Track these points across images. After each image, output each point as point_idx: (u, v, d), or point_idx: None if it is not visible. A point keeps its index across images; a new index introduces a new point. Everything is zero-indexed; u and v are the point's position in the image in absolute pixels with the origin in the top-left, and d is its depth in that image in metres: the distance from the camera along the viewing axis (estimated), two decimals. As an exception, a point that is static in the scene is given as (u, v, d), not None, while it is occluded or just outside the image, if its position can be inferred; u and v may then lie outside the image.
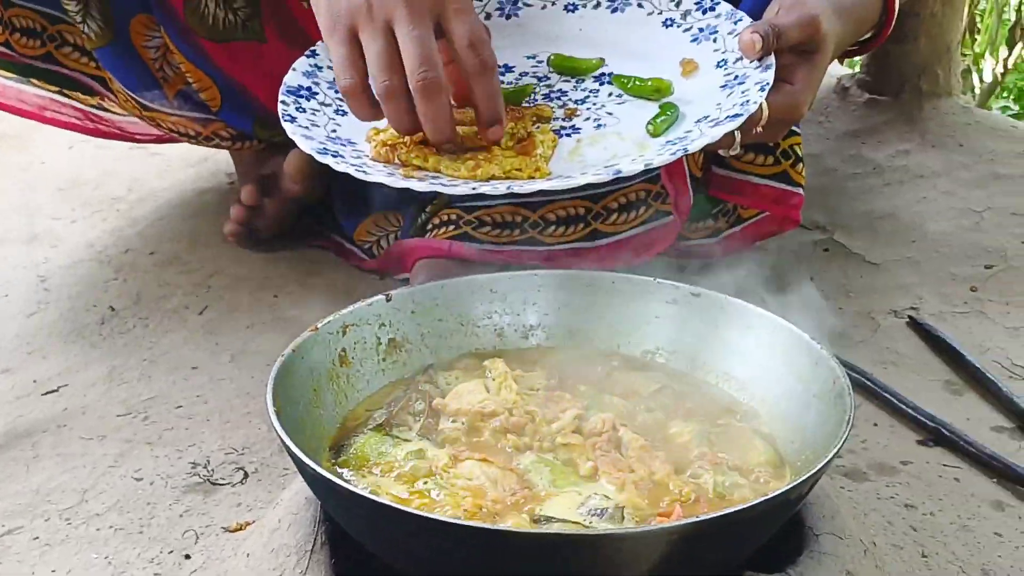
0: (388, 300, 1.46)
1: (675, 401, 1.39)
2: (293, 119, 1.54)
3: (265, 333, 1.90)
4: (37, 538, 1.47)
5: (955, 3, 2.40)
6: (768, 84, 1.48)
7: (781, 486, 1.20)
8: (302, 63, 1.62)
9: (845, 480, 1.56)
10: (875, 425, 1.69)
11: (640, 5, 1.70)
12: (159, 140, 2.24)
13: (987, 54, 3.35)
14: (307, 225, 2.15)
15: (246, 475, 1.58)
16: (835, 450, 1.19)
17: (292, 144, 1.95)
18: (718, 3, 1.64)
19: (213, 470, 1.58)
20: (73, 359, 1.83)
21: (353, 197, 2.05)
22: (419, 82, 1.36)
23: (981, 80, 3.30)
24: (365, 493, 1.15)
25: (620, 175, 1.40)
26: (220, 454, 1.62)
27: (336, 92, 1.57)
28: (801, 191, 1.86)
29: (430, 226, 1.89)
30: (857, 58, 2.17)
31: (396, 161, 1.47)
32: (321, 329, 1.39)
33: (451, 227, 1.87)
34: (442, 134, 1.40)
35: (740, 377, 1.43)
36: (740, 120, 1.44)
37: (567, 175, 1.43)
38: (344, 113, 1.55)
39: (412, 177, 1.43)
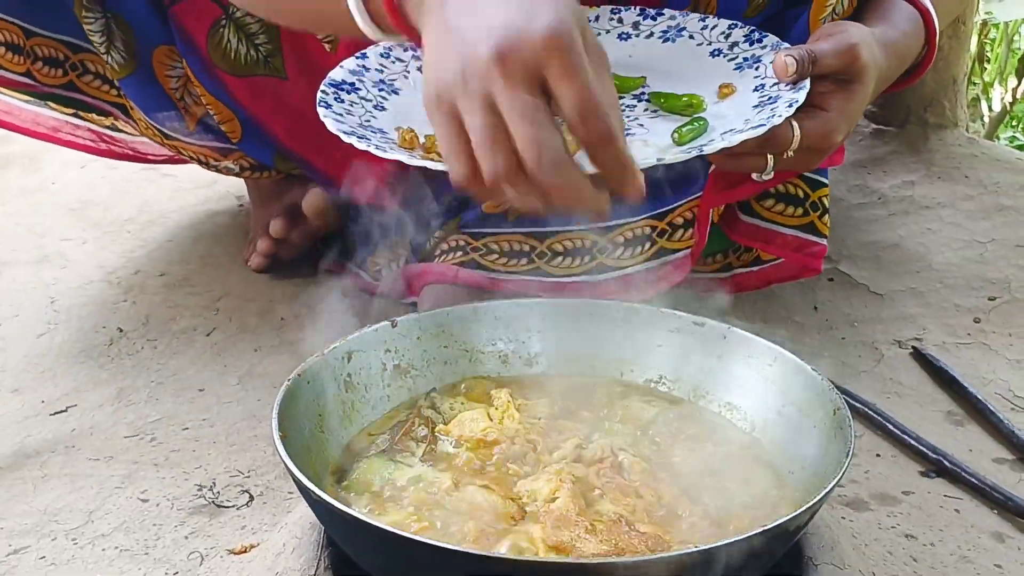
0: (394, 326, 1.47)
1: (677, 429, 1.40)
2: (329, 106, 1.54)
3: (272, 356, 1.91)
4: (43, 558, 1.48)
5: (961, 36, 2.41)
6: (797, 102, 1.49)
7: (781, 516, 1.21)
8: (350, 62, 1.64)
9: (846, 510, 1.57)
10: (877, 455, 1.69)
11: (691, 36, 1.72)
12: (171, 161, 2.25)
13: (996, 83, 3.36)
14: (316, 249, 2.16)
15: (251, 498, 1.59)
16: (835, 480, 1.19)
17: (309, 178, 1.98)
18: (766, 35, 1.66)
19: (219, 492, 1.59)
20: (82, 380, 1.85)
21: (366, 229, 2.06)
22: (536, 164, 1.14)
23: (990, 109, 3.31)
24: (368, 519, 1.15)
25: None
26: (226, 476, 1.63)
27: (379, 90, 1.60)
28: (824, 242, 1.85)
29: (438, 251, 1.90)
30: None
31: (417, 148, 1.47)
32: (327, 354, 1.40)
33: (459, 253, 1.88)
34: (587, 203, 1.18)
35: (742, 406, 1.44)
36: (762, 130, 1.44)
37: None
38: (383, 109, 1.56)
39: (430, 158, 1.41)
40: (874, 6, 1.69)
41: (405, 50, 1.69)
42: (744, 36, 1.68)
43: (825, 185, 1.85)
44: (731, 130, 1.49)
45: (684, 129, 1.50)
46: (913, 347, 1.94)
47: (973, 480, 1.63)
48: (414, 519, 1.23)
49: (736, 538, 1.12)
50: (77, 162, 2.47)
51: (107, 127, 2.15)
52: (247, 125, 1.99)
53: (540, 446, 1.34)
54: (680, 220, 1.81)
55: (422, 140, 1.49)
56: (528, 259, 1.86)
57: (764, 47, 1.65)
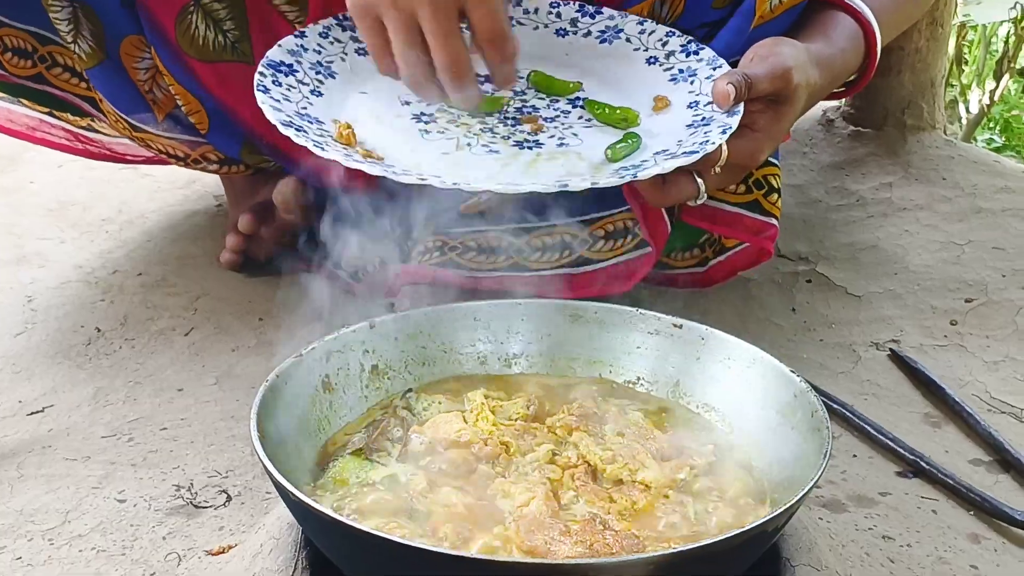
0: (372, 327, 1.47)
1: (654, 431, 1.40)
2: (266, 90, 1.58)
3: (250, 356, 1.91)
4: (20, 558, 1.47)
5: (940, 38, 2.41)
6: (731, 128, 1.53)
7: (759, 517, 1.21)
8: (289, 41, 1.67)
9: (823, 511, 1.57)
10: (854, 456, 1.70)
11: (628, 40, 1.74)
12: (148, 161, 2.25)
13: (974, 85, 3.38)
14: (294, 249, 2.16)
15: (229, 498, 1.58)
16: (812, 482, 1.20)
17: (281, 171, 1.97)
18: (703, 48, 1.69)
19: (196, 493, 1.59)
20: (59, 380, 1.84)
21: (341, 224, 2.06)
22: (450, 78, 1.49)
23: (968, 111, 3.33)
24: (345, 520, 1.15)
25: (566, 188, 1.45)
26: (204, 477, 1.62)
27: (316, 72, 1.65)
28: (774, 222, 1.85)
29: (415, 253, 1.90)
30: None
31: (356, 147, 1.52)
32: (305, 355, 1.40)
33: (436, 254, 1.88)
34: (471, 106, 1.56)
35: (720, 408, 1.44)
36: (695, 157, 1.48)
37: (517, 182, 1.47)
38: (320, 95, 1.60)
39: (366, 161, 1.47)
40: (814, 21, 1.71)
41: (343, 30, 1.70)
42: (681, 46, 1.71)
43: (772, 164, 1.86)
44: (664, 151, 1.52)
45: (618, 146, 1.53)
46: (890, 349, 1.95)
47: (950, 481, 1.63)
48: (390, 519, 1.23)
49: (713, 539, 1.12)
50: (55, 162, 2.46)
51: (83, 127, 2.14)
52: (215, 116, 1.98)
53: (514, 448, 1.34)
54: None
55: (359, 138, 1.52)
56: (506, 255, 1.86)
57: (700, 60, 1.68)
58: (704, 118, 1.57)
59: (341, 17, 1.72)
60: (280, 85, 1.60)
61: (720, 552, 1.13)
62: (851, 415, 1.76)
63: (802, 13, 1.71)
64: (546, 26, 1.77)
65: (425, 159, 1.54)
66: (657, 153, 1.53)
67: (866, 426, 1.74)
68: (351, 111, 1.61)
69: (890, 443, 1.71)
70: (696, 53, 1.69)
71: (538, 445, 1.35)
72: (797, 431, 1.34)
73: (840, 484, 1.64)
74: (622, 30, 1.75)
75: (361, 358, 1.45)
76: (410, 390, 1.46)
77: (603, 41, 1.75)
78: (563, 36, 1.77)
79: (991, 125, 3.44)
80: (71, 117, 2.10)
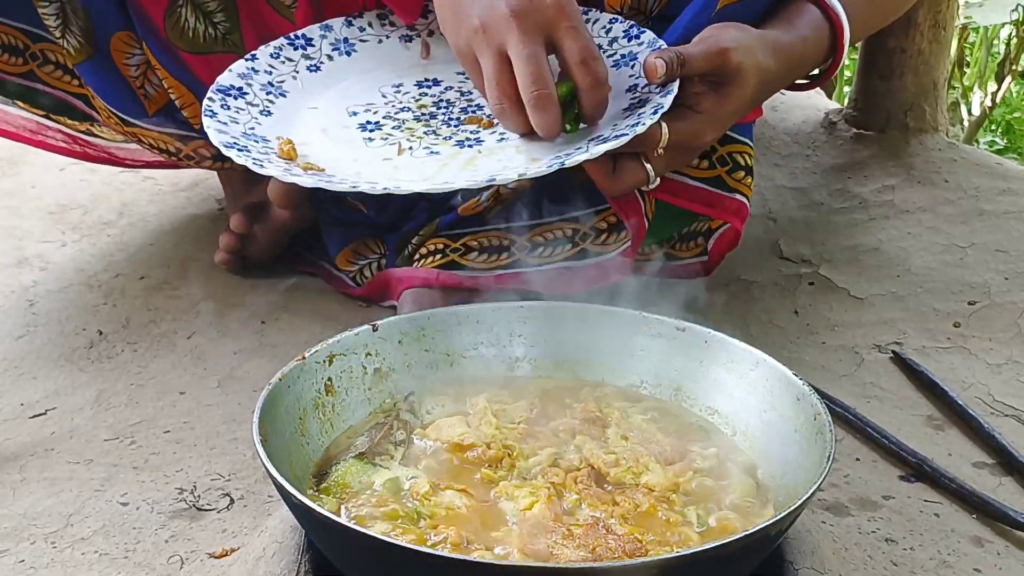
0: (375, 330, 1.47)
1: (658, 434, 1.40)
2: (213, 114, 1.62)
3: (252, 359, 1.90)
4: (23, 561, 1.47)
5: (942, 40, 2.41)
6: (663, 108, 1.53)
7: (762, 521, 1.21)
8: (239, 65, 1.71)
9: (826, 514, 1.57)
10: (857, 459, 1.70)
11: None
12: (148, 165, 2.25)
13: (976, 87, 3.38)
14: (296, 252, 2.16)
15: (232, 501, 1.58)
16: (816, 485, 1.20)
17: None
18: (644, 32, 1.69)
19: (199, 496, 1.59)
20: (61, 383, 1.84)
21: (336, 223, 2.06)
22: (532, 98, 1.49)
23: (970, 113, 3.32)
24: (348, 523, 1.15)
25: (493, 182, 1.49)
26: (206, 480, 1.62)
27: (267, 93, 1.69)
28: (740, 198, 1.85)
29: (417, 256, 1.90)
30: (811, 91, 2.15)
31: (297, 160, 1.56)
32: (308, 358, 1.40)
33: (438, 256, 1.88)
34: (552, 134, 1.53)
35: (723, 411, 1.44)
36: (625, 139, 1.50)
37: (449, 182, 1.51)
38: (269, 114, 1.64)
39: (304, 174, 1.51)
40: (780, 10, 1.70)
41: (295, 49, 1.72)
42: (623, 32, 1.71)
43: (740, 142, 1.85)
44: (598, 136, 1.52)
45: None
46: (893, 351, 1.94)
47: (953, 484, 1.63)
48: (393, 523, 1.23)
49: (717, 543, 1.12)
50: (56, 165, 2.46)
51: (82, 132, 2.14)
52: None
53: (516, 451, 1.34)
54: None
55: (300, 151, 1.56)
56: (508, 253, 1.86)
57: (641, 43, 1.69)
58: (640, 100, 1.58)
59: (293, 36, 1.77)
60: (228, 108, 1.65)
61: (723, 556, 1.12)
62: (854, 418, 1.75)
63: (771, 4, 1.71)
64: None
65: (366, 167, 1.56)
66: (591, 139, 1.54)
67: (869, 429, 1.74)
68: (299, 127, 1.65)
69: (893, 446, 1.70)
70: (637, 37, 1.70)
71: (541, 448, 1.35)
72: (800, 434, 1.33)
73: (843, 487, 1.63)
74: None
75: (364, 361, 1.45)
76: (412, 393, 1.46)
77: None
78: None
79: (993, 127, 3.44)
80: (68, 121, 2.10)
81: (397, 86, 1.75)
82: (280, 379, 1.35)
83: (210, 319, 2.01)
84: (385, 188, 1.47)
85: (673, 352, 1.49)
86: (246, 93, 1.69)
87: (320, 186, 1.49)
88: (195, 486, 1.61)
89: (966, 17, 3.16)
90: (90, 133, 2.15)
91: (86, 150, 2.17)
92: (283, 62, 1.75)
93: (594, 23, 1.72)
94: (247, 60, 1.73)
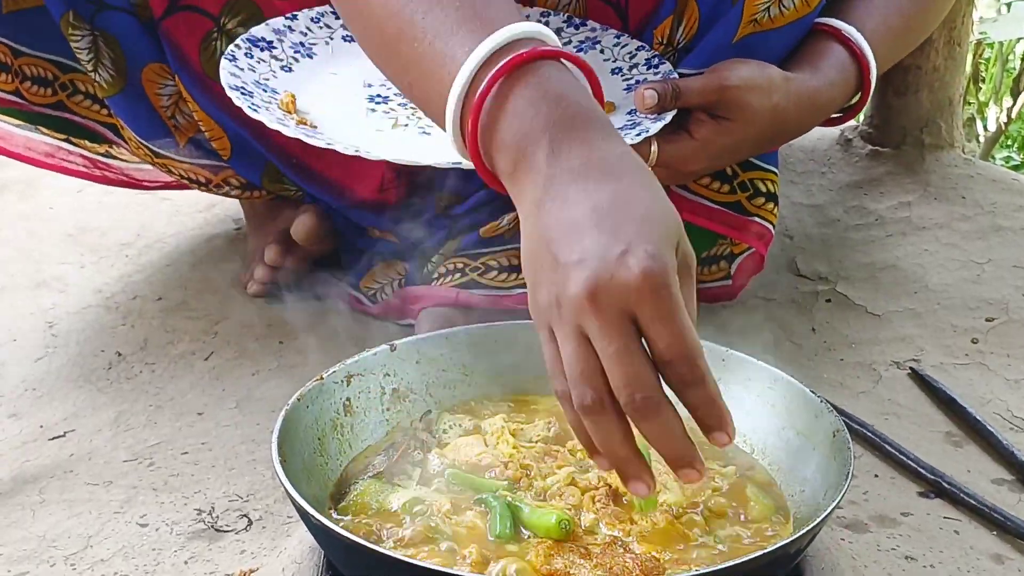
0: (393, 350, 1.47)
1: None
2: (234, 59, 1.64)
3: (270, 380, 1.91)
4: (42, 583, 1.48)
5: (957, 57, 2.41)
6: (647, 132, 1.56)
7: (781, 538, 1.21)
8: (277, 21, 1.74)
9: (846, 532, 1.57)
10: (876, 476, 1.70)
11: (602, 51, 1.78)
12: (167, 187, 2.25)
13: (991, 103, 3.37)
14: (313, 272, 2.16)
15: (250, 522, 1.59)
16: (835, 502, 1.20)
17: (302, 198, 1.98)
18: (664, 63, 1.72)
19: (218, 517, 1.59)
20: (80, 404, 1.85)
21: (358, 251, 2.06)
22: (630, 404, 1.10)
23: (985, 129, 3.32)
24: (368, 543, 1.15)
25: (459, 166, 1.44)
26: (225, 501, 1.63)
27: (295, 51, 1.71)
28: (761, 221, 1.87)
29: (436, 275, 1.90)
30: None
31: (294, 114, 1.60)
32: (326, 378, 1.40)
33: (457, 275, 1.89)
34: (677, 453, 1.13)
35: (741, 429, 1.43)
36: None
37: (416, 158, 1.52)
38: (290, 71, 1.67)
39: (291, 125, 1.54)
40: (805, 49, 1.72)
41: (337, 18, 1.75)
42: (645, 60, 1.74)
43: (763, 169, 1.86)
44: None
45: None
46: (911, 368, 1.94)
47: (972, 501, 1.63)
48: (412, 543, 1.23)
49: (736, 561, 1.12)
50: (74, 187, 2.47)
51: (101, 154, 2.15)
52: (237, 141, 1.99)
53: (534, 471, 1.34)
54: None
55: (301, 107, 1.60)
56: None
57: (658, 72, 1.71)
58: (633, 123, 1.60)
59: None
60: (252, 57, 1.67)
61: (743, 574, 1.12)
62: (872, 435, 1.75)
63: (797, 40, 1.72)
64: None
65: (356, 133, 1.59)
66: None
67: (887, 446, 1.73)
68: (312, 86, 1.67)
69: (911, 463, 1.70)
70: (656, 67, 1.72)
71: (559, 468, 1.35)
72: (818, 451, 1.33)
73: (862, 504, 1.63)
74: (599, 41, 1.79)
75: (382, 381, 1.45)
76: (429, 411, 1.46)
77: (579, 50, 1.78)
78: None
79: (1009, 143, 3.43)
80: (88, 144, 2.11)
81: None
82: (298, 399, 1.35)
83: (228, 340, 2.01)
84: (356, 150, 1.50)
85: (690, 370, 1.49)
86: (275, 47, 1.71)
87: (300, 138, 1.51)
88: (213, 507, 1.61)
89: (981, 33, 3.15)
90: (109, 155, 2.16)
91: (105, 173, 2.18)
92: (321, 27, 1.76)
93: (623, 47, 1.74)
94: (287, 19, 1.75)
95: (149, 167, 2.15)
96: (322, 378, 1.40)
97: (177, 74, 1.93)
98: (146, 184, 2.23)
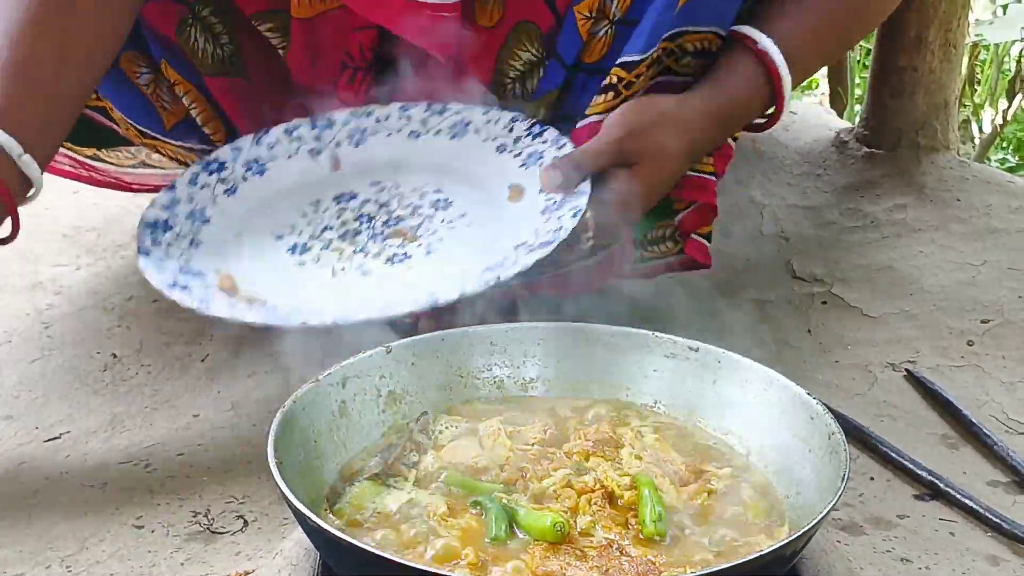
0: (388, 352, 1.47)
1: (672, 453, 1.40)
2: (148, 253, 1.63)
3: (266, 381, 1.91)
4: (38, 585, 1.48)
5: (953, 59, 2.42)
6: (580, 209, 1.57)
7: (777, 541, 1.21)
8: (162, 197, 1.74)
9: (841, 534, 1.57)
10: (872, 479, 1.70)
11: (477, 131, 1.80)
12: (156, 190, 2.25)
13: (987, 105, 3.38)
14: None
15: (246, 523, 1.59)
16: (830, 505, 1.20)
17: None
18: (546, 128, 1.74)
19: (213, 519, 1.59)
20: (75, 406, 1.85)
21: None
22: None
23: (981, 131, 3.33)
24: (364, 545, 1.15)
25: (437, 304, 1.50)
26: (220, 502, 1.63)
27: (192, 222, 1.72)
28: (713, 178, 1.87)
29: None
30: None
31: (239, 295, 1.58)
32: (322, 380, 1.40)
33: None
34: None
35: (737, 431, 1.44)
36: (551, 247, 1.53)
37: (394, 306, 1.53)
38: (198, 244, 1.66)
39: (250, 310, 1.55)
40: (714, 68, 1.71)
41: (210, 174, 1.76)
42: (526, 130, 1.77)
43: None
44: (524, 243, 1.57)
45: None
46: (907, 370, 1.94)
47: (968, 503, 1.63)
48: (408, 545, 1.23)
49: (731, 563, 1.12)
50: (70, 188, 2.46)
51: (88, 157, 2.14)
52: (230, 126, 1.98)
53: (530, 473, 1.34)
54: None
55: (239, 286, 1.60)
56: None
57: (545, 141, 1.73)
58: (555, 202, 1.61)
59: (206, 161, 1.80)
60: (160, 244, 1.66)
61: (739, 576, 1.12)
62: (868, 437, 1.75)
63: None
64: (399, 131, 1.83)
65: (306, 296, 1.60)
66: (518, 246, 1.57)
67: (883, 448, 1.73)
68: (230, 255, 1.67)
69: (907, 465, 1.70)
70: (540, 135, 1.74)
71: (555, 470, 1.35)
72: (814, 453, 1.33)
73: (857, 507, 1.63)
74: (470, 123, 1.81)
75: (378, 383, 1.45)
76: (425, 413, 1.46)
77: (453, 136, 1.81)
78: (416, 138, 1.83)
79: (1004, 145, 3.44)
80: (74, 147, 2.10)
81: (315, 203, 1.78)
82: (294, 401, 1.35)
83: (224, 342, 2.01)
84: (335, 320, 1.51)
85: (686, 372, 1.49)
86: (172, 226, 1.71)
87: (269, 323, 1.53)
88: (209, 509, 1.61)
89: (977, 35, 3.16)
90: (96, 158, 2.15)
91: (92, 175, 2.18)
92: (201, 188, 1.77)
93: (496, 122, 1.77)
94: (167, 191, 1.75)
95: (139, 170, 2.15)
96: (318, 380, 1.40)
97: (167, 61, 1.91)
98: (135, 187, 2.24)
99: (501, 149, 1.76)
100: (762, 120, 1.78)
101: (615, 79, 1.70)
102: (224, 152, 1.80)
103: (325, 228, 1.72)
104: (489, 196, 1.68)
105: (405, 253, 1.65)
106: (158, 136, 2.02)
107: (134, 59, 1.95)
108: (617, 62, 1.70)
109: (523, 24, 1.80)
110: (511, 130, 1.77)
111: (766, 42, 1.70)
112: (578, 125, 1.73)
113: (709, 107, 1.69)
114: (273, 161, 1.81)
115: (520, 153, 1.74)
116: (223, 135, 1.98)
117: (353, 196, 1.77)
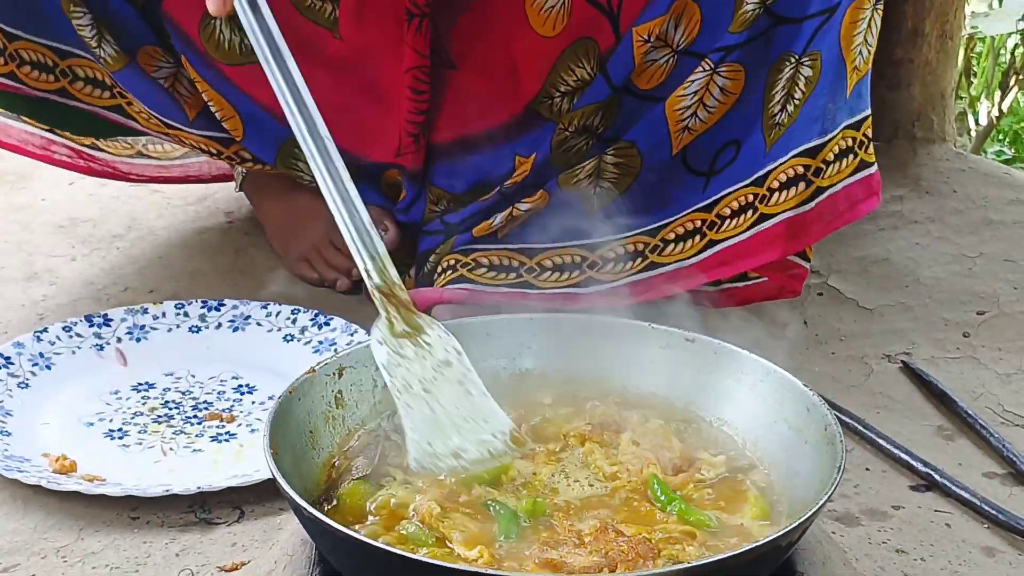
0: (385, 342, 1.47)
1: (672, 439, 1.40)
2: None
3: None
4: (34, 575, 1.47)
5: (949, 51, 2.42)
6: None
7: (772, 532, 1.21)
8: (26, 336, 1.83)
9: (837, 525, 1.57)
10: (867, 470, 1.70)
11: (259, 324, 1.91)
12: (153, 180, 2.26)
13: (983, 97, 3.38)
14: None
15: (242, 514, 1.58)
16: (826, 496, 1.20)
17: (312, 181, 1.98)
18: (332, 318, 1.86)
19: (209, 509, 1.59)
20: (71, 397, 1.84)
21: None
22: None
23: (977, 123, 3.33)
24: (359, 536, 1.15)
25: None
26: (216, 493, 1.62)
27: (34, 365, 1.80)
28: (807, 265, 1.88)
29: (435, 274, 1.90)
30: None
31: (77, 473, 1.62)
32: (318, 371, 1.40)
33: (450, 272, 1.88)
34: None
35: (733, 422, 1.44)
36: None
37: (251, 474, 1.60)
38: (9, 435, 1.68)
39: (94, 487, 1.57)
40: None
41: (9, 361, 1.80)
42: (311, 320, 1.89)
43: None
44: None
45: None
46: (903, 361, 1.94)
47: (963, 494, 1.63)
48: (402, 540, 1.22)
49: (727, 554, 1.12)
50: (66, 179, 2.46)
51: (87, 146, 2.14)
52: (250, 122, 1.98)
53: (513, 471, 1.33)
54: (672, 235, 1.81)
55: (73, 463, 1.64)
56: (516, 273, 1.85)
57: (334, 330, 1.86)
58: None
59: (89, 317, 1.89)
60: None
61: (734, 566, 1.12)
62: (864, 428, 1.75)
63: None
64: (178, 326, 1.91)
65: (143, 472, 1.63)
66: None
67: (879, 439, 1.73)
68: (43, 441, 1.69)
69: (903, 456, 1.70)
70: (327, 323, 1.87)
71: (541, 466, 1.34)
72: (810, 445, 1.33)
73: (853, 498, 1.63)
74: (249, 316, 1.91)
75: (374, 374, 1.44)
76: (394, 412, 1.43)
77: (235, 329, 1.90)
78: (197, 332, 1.91)
79: (1000, 137, 3.44)
80: (72, 136, 2.10)
81: (115, 392, 1.81)
82: (290, 392, 1.35)
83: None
84: (199, 487, 1.57)
85: (682, 364, 1.48)
86: (12, 363, 1.78)
87: (131, 494, 1.57)
88: (205, 499, 1.60)
89: (973, 27, 3.16)
90: (95, 147, 2.15)
91: (91, 164, 2.18)
92: (71, 336, 1.86)
93: (277, 315, 1.92)
94: (36, 335, 1.83)
95: (136, 160, 2.16)
96: (314, 370, 1.39)
97: (184, 55, 1.92)
98: (132, 177, 2.24)
99: (288, 339, 1.87)
100: None
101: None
102: (7, 349, 1.82)
103: (135, 414, 1.76)
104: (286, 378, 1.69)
105: (228, 432, 1.71)
106: (182, 128, 2.02)
107: (152, 53, 1.95)
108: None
109: (583, 40, 1.80)
110: (295, 321, 1.89)
111: None
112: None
113: None
114: (58, 355, 1.85)
115: (310, 341, 1.85)
116: (241, 133, 1.98)
117: (151, 386, 1.82)
